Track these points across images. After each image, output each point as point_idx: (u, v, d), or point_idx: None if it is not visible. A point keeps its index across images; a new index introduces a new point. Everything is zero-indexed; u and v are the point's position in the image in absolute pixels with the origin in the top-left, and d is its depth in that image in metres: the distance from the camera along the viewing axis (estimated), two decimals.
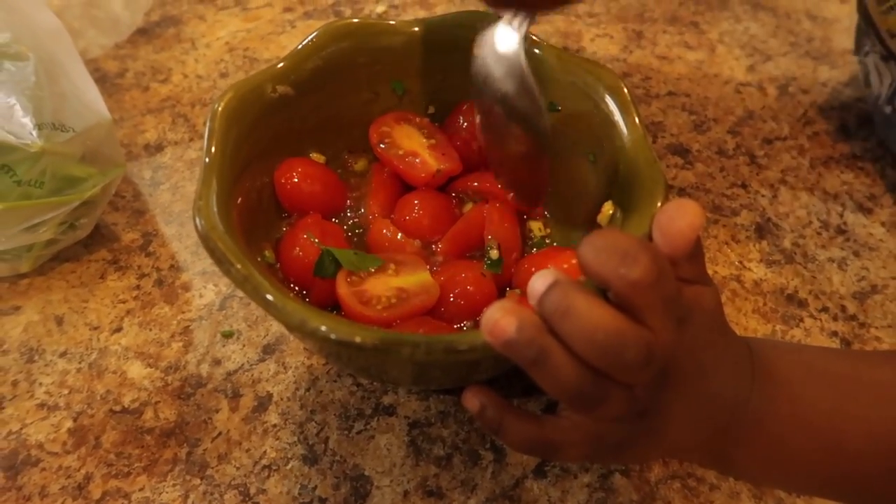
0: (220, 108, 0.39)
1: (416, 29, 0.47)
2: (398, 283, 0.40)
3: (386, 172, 0.47)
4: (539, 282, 0.29)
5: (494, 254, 0.43)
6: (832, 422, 0.33)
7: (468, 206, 0.47)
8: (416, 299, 0.40)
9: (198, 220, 0.34)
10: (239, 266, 0.33)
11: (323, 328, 0.31)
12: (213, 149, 0.38)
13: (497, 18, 0.37)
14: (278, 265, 0.42)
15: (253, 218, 0.41)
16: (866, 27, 0.58)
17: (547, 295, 0.28)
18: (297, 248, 0.41)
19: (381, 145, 0.47)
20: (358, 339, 0.31)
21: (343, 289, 0.39)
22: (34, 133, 0.40)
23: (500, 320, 0.28)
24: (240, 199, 0.40)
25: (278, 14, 0.72)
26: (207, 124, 0.39)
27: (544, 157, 0.41)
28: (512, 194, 0.45)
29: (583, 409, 0.30)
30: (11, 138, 0.39)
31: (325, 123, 0.47)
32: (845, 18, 0.73)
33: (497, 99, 0.39)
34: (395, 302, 0.39)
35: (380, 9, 0.73)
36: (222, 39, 0.69)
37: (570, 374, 0.28)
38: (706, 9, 0.74)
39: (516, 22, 0.36)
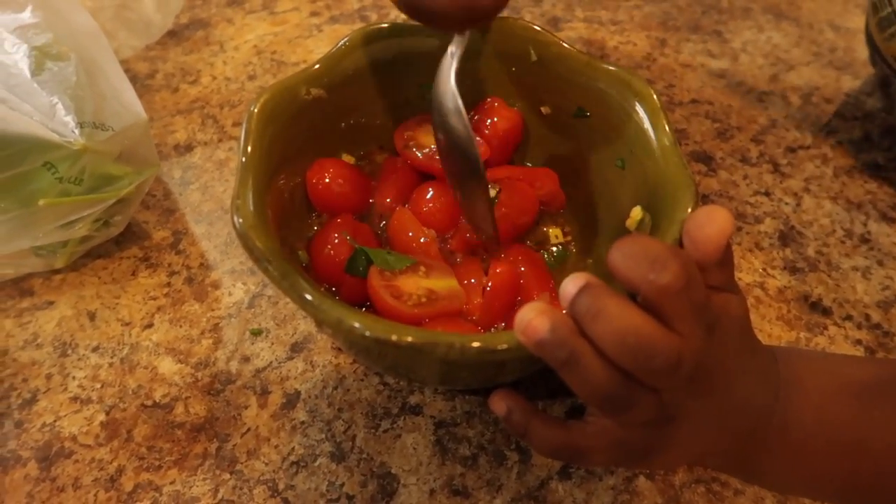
0: (256, 110, 0.40)
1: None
2: (428, 284, 0.41)
3: (398, 162, 0.48)
4: (571, 284, 0.29)
5: (492, 192, 0.44)
6: (857, 430, 0.33)
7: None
8: (445, 301, 0.40)
9: (236, 218, 0.35)
10: (277, 265, 0.34)
11: (357, 325, 0.32)
12: (249, 149, 0.39)
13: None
14: (311, 265, 0.43)
15: (285, 217, 0.42)
16: (873, 53, 0.58)
17: (578, 297, 0.29)
18: (329, 247, 0.42)
19: (406, 148, 0.47)
20: (394, 338, 0.31)
21: (376, 281, 0.39)
22: (76, 131, 0.41)
23: (534, 321, 0.29)
24: (273, 199, 0.40)
25: (305, 18, 0.73)
26: (244, 125, 0.39)
27: (482, 188, 0.41)
28: (477, 234, 0.45)
29: (611, 412, 0.31)
30: (55, 136, 0.40)
31: (356, 125, 0.48)
32: None
33: (444, 126, 0.40)
34: (425, 301, 0.40)
35: None
36: (250, 42, 0.70)
37: (601, 377, 0.29)
38: (729, 18, 0.75)
39: (452, 47, 0.39)
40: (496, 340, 0.31)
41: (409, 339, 0.31)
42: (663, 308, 0.28)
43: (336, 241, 0.42)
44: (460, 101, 0.39)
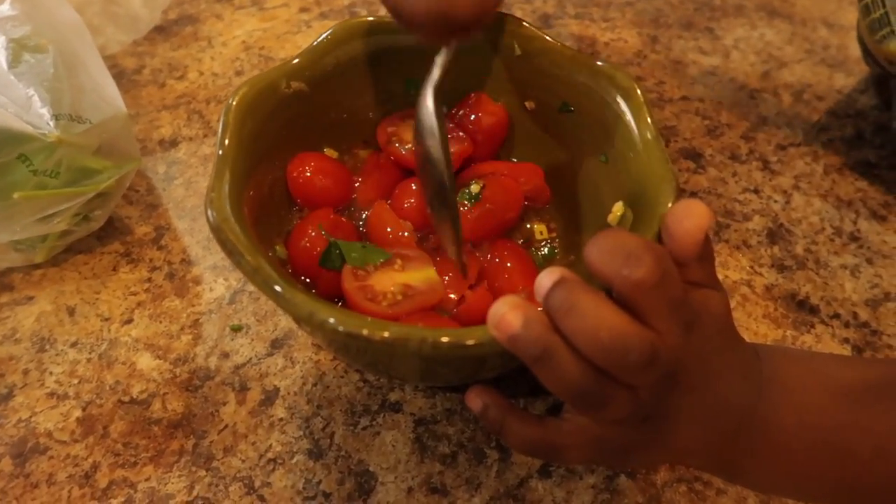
0: (234, 103, 0.39)
1: None
2: (404, 278, 0.40)
3: (381, 157, 0.47)
4: (546, 278, 0.29)
5: (475, 188, 0.44)
6: (840, 432, 0.32)
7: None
8: (422, 296, 0.40)
9: (210, 212, 0.35)
10: (249, 258, 0.33)
11: (331, 320, 0.31)
12: (226, 142, 0.38)
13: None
14: (288, 260, 0.42)
15: (264, 211, 0.41)
16: (865, 55, 0.58)
17: (553, 292, 0.28)
18: (305, 240, 0.41)
19: (390, 144, 0.47)
20: (365, 332, 0.31)
21: (349, 283, 0.39)
22: (51, 123, 0.41)
23: (507, 314, 0.28)
24: (252, 193, 0.40)
25: (294, 14, 0.73)
26: (222, 118, 0.39)
27: (450, 214, 0.40)
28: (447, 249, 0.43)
29: (586, 409, 0.30)
30: (29, 128, 0.40)
31: (338, 120, 0.47)
32: None
33: (420, 142, 0.40)
34: (400, 298, 0.39)
35: None
36: (238, 38, 0.70)
37: (574, 373, 0.28)
38: (721, 15, 0.74)
39: (438, 58, 0.40)
40: (468, 335, 0.31)
41: (381, 334, 0.31)
42: (638, 304, 0.28)
43: (312, 234, 0.41)
44: (435, 121, 0.39)
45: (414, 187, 0.46)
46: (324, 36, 0.45)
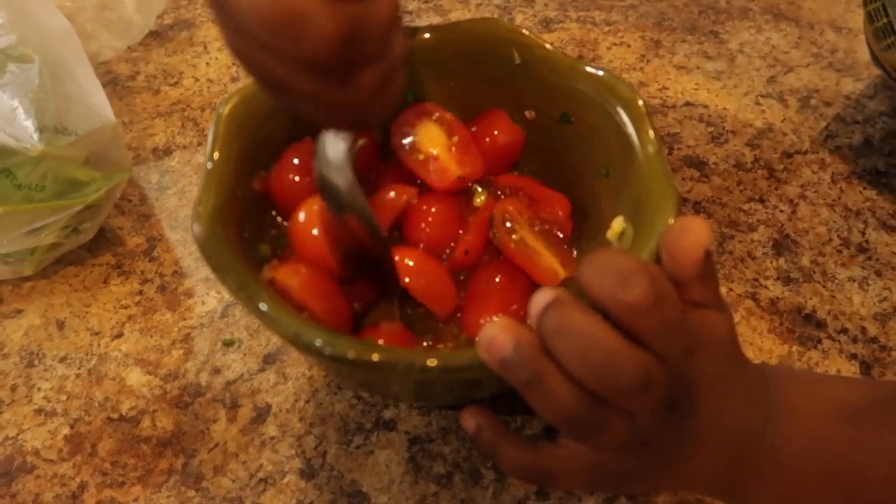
0: (225, 112, 0.39)
1: (428, 35, 0.46)
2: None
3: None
4: (541, 298, 0.28)
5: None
6: (850, 457, 0.31)
7: (479, 199, 0.46)
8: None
9: (196, 226, 0.34)
10: (234, 274, 0.33)
11: (317, 342, 0.30)
12: (216, 154, 0.37)
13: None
14: (273, 259, 0.41)
15: (254, 223, 0.40)
16: (874, 59, 0.57)
17: (546, 312, 0.27)
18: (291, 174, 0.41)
19: (404, 144, 0.44)
20: (351, 355, 0.30)
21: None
22: (35, 136, 0.40)
23: (497, 337, 0.27)
24: (241, 205, 0.39)
25: None
26: (212, 128, 0.38)
27: (386, 254, 0.39)
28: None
29: (580, 436, 0.29)
30: (12, 141, 0.39)
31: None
32: None
33: (335, 204, 0.38)
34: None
35: None
36: None
37: (567, 399, 0.27)
38: (726, 18, 0.73)
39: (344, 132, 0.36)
40: (458, 359, 0.30)
41: (369, 356, 0.30)
42: (633, 327, 0.27)
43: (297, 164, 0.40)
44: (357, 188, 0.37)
45: (425, 207, 0.44)
46: None
